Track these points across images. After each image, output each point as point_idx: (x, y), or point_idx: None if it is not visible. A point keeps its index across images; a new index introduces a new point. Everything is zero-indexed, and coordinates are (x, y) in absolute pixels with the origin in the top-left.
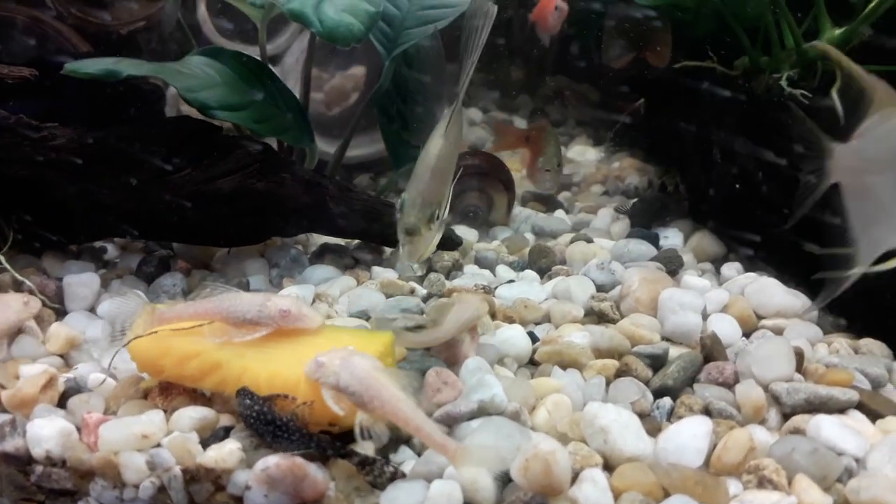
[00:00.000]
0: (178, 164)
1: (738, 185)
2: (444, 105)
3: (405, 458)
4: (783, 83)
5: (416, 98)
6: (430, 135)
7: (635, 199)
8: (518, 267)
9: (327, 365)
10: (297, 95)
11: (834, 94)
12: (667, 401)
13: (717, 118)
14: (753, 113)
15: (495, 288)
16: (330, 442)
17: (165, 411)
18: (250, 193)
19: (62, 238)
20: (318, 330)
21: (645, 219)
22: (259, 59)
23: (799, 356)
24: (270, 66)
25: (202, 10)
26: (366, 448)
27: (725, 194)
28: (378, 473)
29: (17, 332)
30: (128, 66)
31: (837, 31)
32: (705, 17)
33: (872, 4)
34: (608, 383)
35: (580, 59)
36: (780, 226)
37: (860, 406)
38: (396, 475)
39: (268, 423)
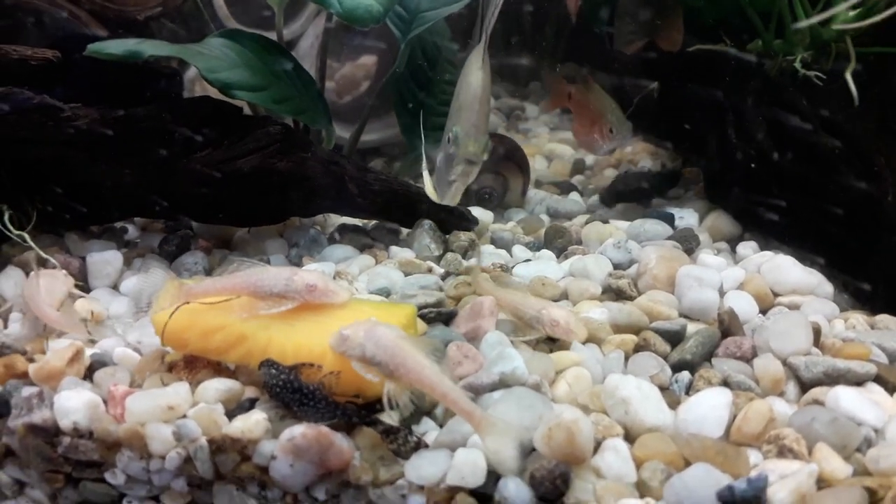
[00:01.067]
0: (199, 144)
1: (753, 165)
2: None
3: (427, 429)
4: (797, 65)
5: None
6: (465, 68)
7: (613, 178)
8: (534, 247)
9: (352, 337)
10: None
11: (848, 75)
12: (685, 374)
13: (731, 100)
14: (767, 95)
15: (512, 267)
16: (356, 410)
17: (190, 384)
18: (270, 173)
19: (84, 217)
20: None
21: (611, 198)
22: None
23: (816, 331)
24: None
25: None
26: (391, 418)
27: (741, 174)
28: (402, 442)
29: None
30: (150, 47)
31: (851, 13)
32: (718, 1)
33: None
34: (627, 358)
35: (592, 45)
36: (796, 205)
37: (878, 379)
38: (420, 445)
39: (294, 391)
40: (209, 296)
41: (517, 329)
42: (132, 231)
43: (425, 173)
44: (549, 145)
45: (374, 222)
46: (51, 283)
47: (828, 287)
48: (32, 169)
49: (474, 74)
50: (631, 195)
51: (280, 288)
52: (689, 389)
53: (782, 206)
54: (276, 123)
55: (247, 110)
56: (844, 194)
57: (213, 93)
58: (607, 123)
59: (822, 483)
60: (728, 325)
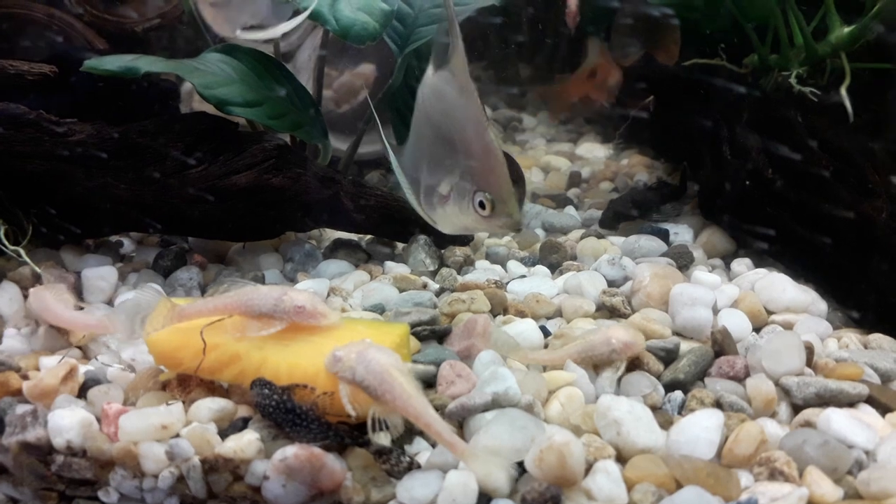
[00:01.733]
0: (195, 159)
1: (748, 182)
2: None
3: (420, 449)
4: (792, 80)
5: None
6: (448, 91)
7: (610, 200)
8: (529, 262)
9: (344, 359)
10: (311, 92)
11: (843, 91)
12: (678, 394)
13: (726, 115)
14: (763, 110)
15: (507, 283)
16: (348, 431)
17: (184, 402)
18: (266, 189)
19: (80, 232)
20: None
21: (611, 219)
22: (273, 56)
23: (809, 351)
24: (284, 64)
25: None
26: (381, 439)
27: (736, 190)
28: (395, 463)
29: None
30: (146, 63)
31: (846, 29)
32: (714, 16)
33: (882, 3)
34: (620, 377)
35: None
36: (790, 221)
37: (870, 400)
38: (412, 465)
39: (287, 411)
40: (201, 316)
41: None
42: (127, 245)
43: (408, 194)
44: (545, 157)
45: (369, 237)
46: (58, 293)
47: (822, 305)
48: (28, 184)
49: (474, 103)
50: (631, 214)
51: (269, 308)
52: (682, 409)
53: (776, 222)
54: (271, 139)
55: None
56: (839, 211)
57: (209, 107)
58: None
59: None
60: (721, 344)
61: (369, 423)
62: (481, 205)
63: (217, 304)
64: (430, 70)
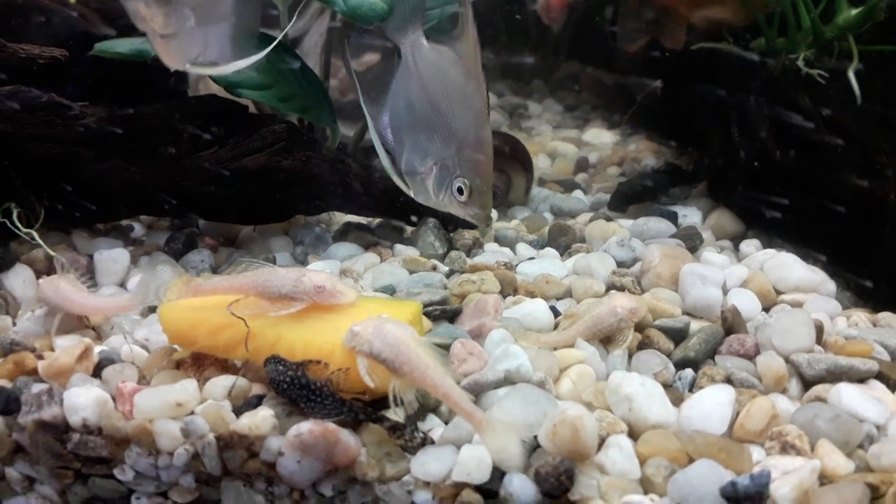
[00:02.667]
0: (206, 142)
1: (756, 163)
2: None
3: (433, 426)
4: (800, 63)
5: None
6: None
7: (619, 182)
8: (538, 245)
9: (361, 334)
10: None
11: (850, 73)
12: (689, 372)
13: (734, 98)
14: (771, 93)
15: (516, 265)
16: (362, 407)
17: (198, 381)
18: (276, 171)
19: (92, 215)
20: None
21: (620, 201)
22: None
23: (818, 329)
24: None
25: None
26: (397, 415)
27: (744, 173)
28: (409, 438)
29: None
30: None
31: (854, 12)
32: None
33: None
34: (630, 355)
35: (595, 43)
36: (799, 202)
37: (880, 376)
38: (426, 440)
39: (301, 387)
40: (217, 293)
41: None
42: (138, 229)
43: (382, 157)
44: (552, 143)
45: (378, 220)
46: (70, 281)
47: (830, 285)
48: (40, 167)
49: (478, 92)
50: (639, 196)
51: (288, 289)
52: (693, 387)
53: (785, 203)
54: (281, 122)
55: (253, 108)
56: (847, 192)
57: (217, 90)
58: None
59: (824, 479)
60: (731, 323)
61: (390, 396)
62: (459, 190)
63: (233, 283)
64: (423, 38)
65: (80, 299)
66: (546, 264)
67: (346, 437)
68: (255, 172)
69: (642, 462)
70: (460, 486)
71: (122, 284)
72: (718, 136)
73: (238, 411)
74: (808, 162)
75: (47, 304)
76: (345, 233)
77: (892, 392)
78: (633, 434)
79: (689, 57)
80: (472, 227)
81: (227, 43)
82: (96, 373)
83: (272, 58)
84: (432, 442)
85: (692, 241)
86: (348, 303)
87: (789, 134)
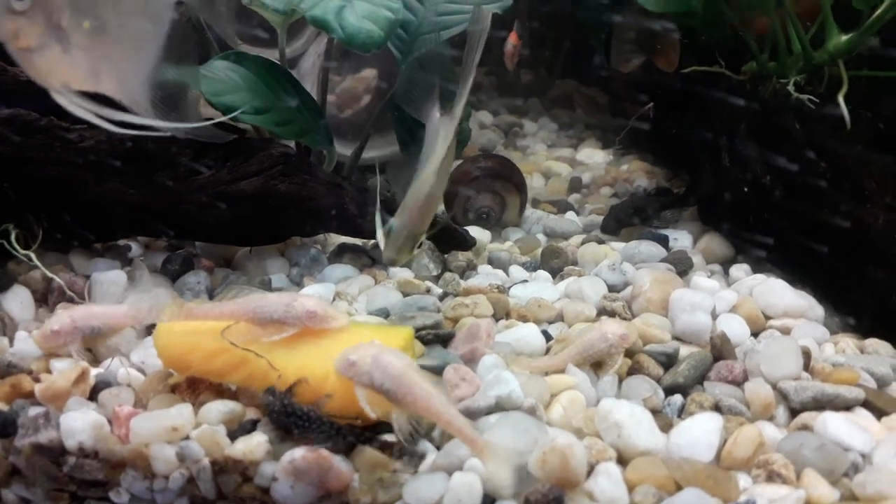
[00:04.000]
0: (203, 165)
1: (746, 189)
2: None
3: (425, 451)
4: (790, 88)
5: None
6: (424, 166)
7: (612, 205)
8: (531, 267)
9: (359, 364)
10: (315, 99)
11: (840, 99)
12: (678, 398)
13: (725, 122)
14: (761, 117)
15: (509, 288)
16: (351, 430)
17: (193, 405)
18: (272, 195)
19: (92, 236)
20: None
21: (612, 224)
22: (279, 63)
23: (806, 355)
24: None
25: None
26: (388, 438)
27: (734, 197)
28: (399, 455)
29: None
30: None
31: (844, 38)
32: (714, 23)
33: (879, 12)
34: (621, 381)
35: (589, 64)
36: (788, 228)
37: (866, 404)
38: (415, 459)
39: (290, 414)
40: (208, 319)
41: None
42: (135, 249)
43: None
44: (546, 163)
45: (373, 242)
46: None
47: (819, 310)
48: (38, 188)
49: (426, 177)
50: (631, 220)
51: (280, 314)
52: (682, 413)
53: (774, 228)
54: (278, 146)
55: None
56: (836, 218)
57: (214, 112)
58: None
59: None
60: (720, 349)
61: (396, 427)
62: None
63: (224, 310)
64: (437, 113)
65: (100, 311)
66: (538, 287)
67: (339, 463)
68: (252, 196)
69: (631, 489)
70: None
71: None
72: (708, 160)
73: (233, 436)
74: (797, 187)
75: (77, 332)
76: (340, 254)
77: (878, 420)
78: (622, 461)
79: (681, 79)
80: (465, 248)
81: (140, 84)
82: (92, 396)
83: (269, 82)
84: (423, 455)
85: (682, 266)
86: (339, 327)
87: (779, 159)
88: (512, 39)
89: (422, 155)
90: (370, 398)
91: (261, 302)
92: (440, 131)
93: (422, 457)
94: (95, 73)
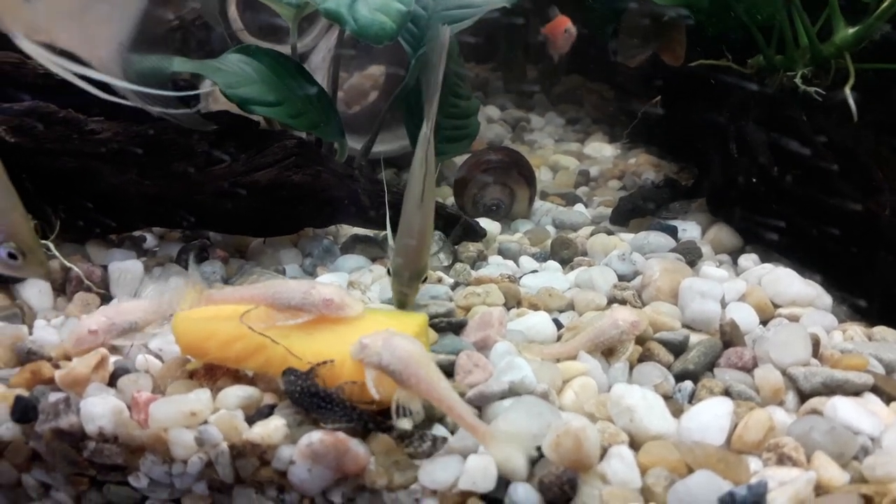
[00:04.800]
0: (218, 156)
1: (754, 180)
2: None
3: (440, 436)
4: (797, 81)
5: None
6: (407, 203)
7: (620, 197)
8: (541, 258)
9: (370, 346)
10: (327, 92)
11: (847, 91)
12: (688, 384)
13: (733, 115)
14: (768, 110)
15: (520, 278)
16: (370, 415)
17: (211, 390)
18: (286, 186)
19: (107, 227)
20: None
21: (621, 217)
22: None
23: (815, 342)
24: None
25: (232, 9)
26: (404, 424)
27: (742, 188)
28: (417, 445)
29: None
30: (174, 64)
31: (851, 31)
32: (720, 17)
33: (886, 4)
34: (631, 367)
35: (596, 58)
36: (796, 218)
37: (875, 389)
38: (436, 444)
39: (312, 395)
40: (228, 303)
41: None
42: (150, 240)
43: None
44: (554, 156)
45: (384, 232)
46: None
47: (827, 299)
48: (56, 180)
49: (412, 216)
50: (640, 211)
51: (297, 300)
52: (692, 398)
53: (782, 219)
54: (292, 137)
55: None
56: (844, 208)
57: (229, 106)
58: None
59: (819, 490)
60: (730, 336)
61: (393, 407)
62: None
63: (244, 294)
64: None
65: (120, 310)
66: (549, 277)
67: (356, 446)
68: (266, 187)
69: (643, 472)
70: (466, 495)
71: (136, 295)
72: (717, 151)
73: (250, 421)
74: (806, 178)
75: (115, 329)
76: (352, 245)
77: (887, 405)
78: (634, 445)
79: (688, 73)
80: (476, 239)
81: (111, 50)
82: (112, 382)
83: (282, 75)
84: (444, 441)
85: (691, 256)
86: (355, 315)
87: (786, 150)
88: (562, 24)
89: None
90: (378, 382)
91: (280, 288)
92: (417, 153)
93: (430, 449)
94: (57, 26)
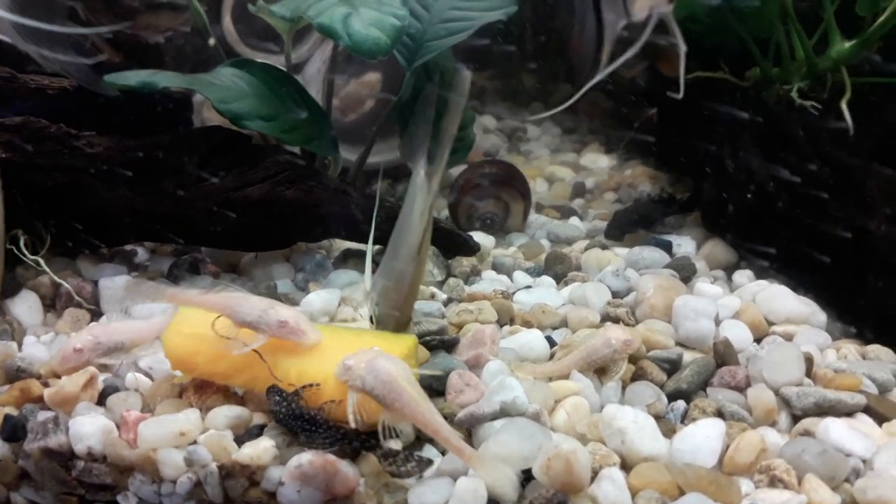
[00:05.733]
0: (210, 172)
1: (749, 195)
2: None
3: (430, 457)
4: (794, 94)
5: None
6: (400, 250)
7: (615, 211)
8: (535, 273)
9: (354, 368)
10: (320, 105)
11: (843, 105)
12: (681, 404)
13: (728, 128)
14: (764, 123)
15: (513, 293)
16: (356, 435)
17: (200, 409)
18: (278, 201)
19: (98, 241)
20: (344, 333)
21: (616, 230)
22: (285, 70)
23: (808, 361)
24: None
25: (227, 20)
26: (393, 445)
27: (738, 202)
28: (401, 464)
29: None
30: (164, 78)
31: (847, 44)
32: (718, 29)
33: (882, 19)
34: (624, 387)
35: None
36: (791, 234)
37: (867, 409)
38: (421, 465)
39: (296, 417)
40: (189, 304)
41: None
42: (141, 254)
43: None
44: (549, 168)
45: (378, 247)
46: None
47: (821, 316)
48: (47, 194)
49: (407, 266)
50: (635, 226)
51: (253, 318)
52: (685, 418)
53: (778, 235)
54: (285, 152)
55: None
56: (838, 225)
57: (221, 121)
58: None
59: None
60: (723, 355)
61: (380, 430)
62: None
63: (205, 300)
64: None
65: (117, 329)
66: (542, 293)
67: (345, 467)
68: (258, 202)
69: (634, 494)
70: None
71: (126, 311)
72: (712, 166)
73: (240, 441)
74: (801, 194)
75: (101, 348)
76: (344, 260)
77: (879, 426)
78: (626, 466)
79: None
80: (470, 253)
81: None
82: (101, 401)
83: (276, 89)
84: (430, 462)
85: (686, 272)
86: (310, 344)
87: (782, 165)
88: None
89: (400, 215)
90: (365, 404)
91: (240, 303)
92: (417, 199)
93: (416, 469)
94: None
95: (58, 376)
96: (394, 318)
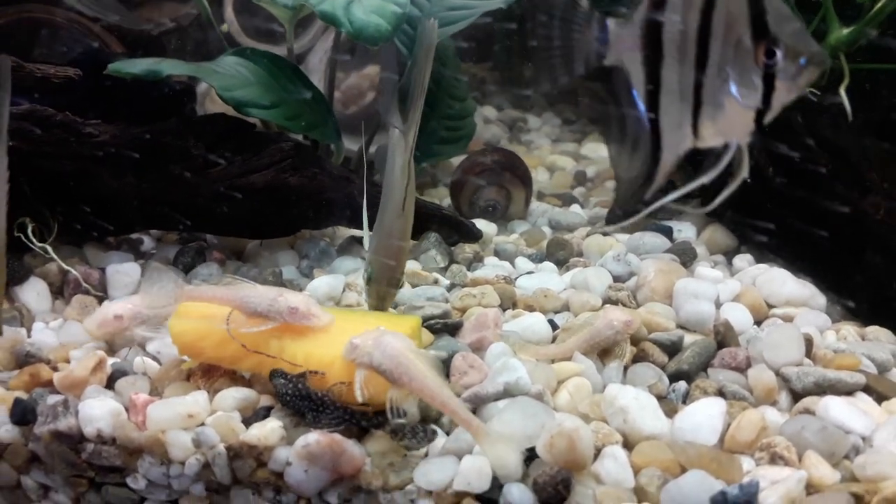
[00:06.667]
0: (214, 159)
1: (748, 180)
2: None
3: (430, 427)
4: None
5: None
6: (385, 210)
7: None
8: (536, 259)
9: (361, 346)
10: (323, 94)
11: (842, 91)
12: (682, 384)
13: None
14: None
15: (515, 279)
16: (363, 414)
17: (208, 392)
18: (283, 188)
19: (104, 229)
20: (349, 315)
21: (617, 217)
22: (287, 58)
23: (808, 342)
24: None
25: (229, 11)
26: (399, 421)
27: (737, 188)
28: (410, 437)
29: None
30: (168, 67)
31: (845, 31)
32: None
33: (880, 5)
34: (626, 368)
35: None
36: (790, 218)
37: (867, 388)
38: (428, 434)
39: (303, 398)
40: (203, 300)
41: None
42: (147, 242)
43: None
44: (550, 157)
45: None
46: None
47: (821, 299)
48: (54, 182)
49: (393, 223)
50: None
51: (264, 307)
52: (686, 398)
53: (777, 219)
54: (288, 140)
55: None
56: (837, 208)
57: (223, 107)
58: None
59: (811, 489)
60: (724, 337)
61: (388, 406)
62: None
63: (216, 294)
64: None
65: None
66: (544, 278)
67: (352, 447)
68: (263, 189)
69: (636, 472)
70: (461, 496)
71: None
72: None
73: (247, 422)
74: (799, 178)
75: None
76: (348, 246)
77: (878, 405)
78: (628, 445)
79: None
80: (472, 240)
81: None
82: (110, 384)
83: (279, 77)
84: (434, 433)
85: (686, 256)
86: (322, 325)
87: (781, 151)
88: None
89: (384, 179)
90: (369, 383)
91: (248, 293)
92: (396, 157)
93: (423, 437)
94: None
95: (67, 361)
96: (387, 269)
